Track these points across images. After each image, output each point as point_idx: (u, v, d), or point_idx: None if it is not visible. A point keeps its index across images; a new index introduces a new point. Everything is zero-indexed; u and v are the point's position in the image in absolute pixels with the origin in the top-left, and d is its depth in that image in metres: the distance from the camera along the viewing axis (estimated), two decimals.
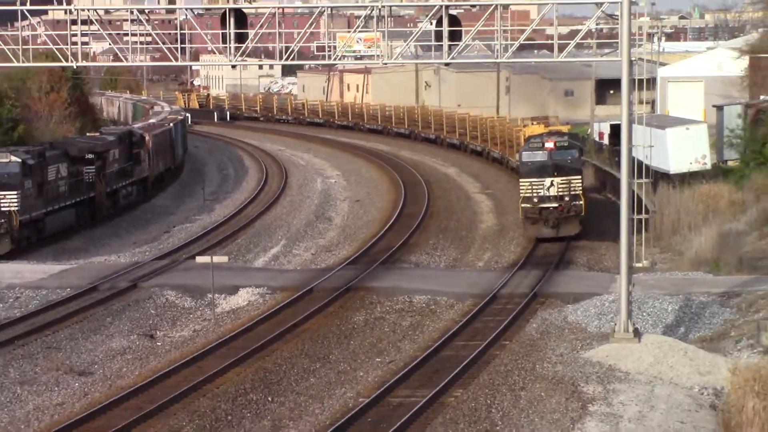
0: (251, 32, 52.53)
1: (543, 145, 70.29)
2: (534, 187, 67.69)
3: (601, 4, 52.66)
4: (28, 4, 52.53)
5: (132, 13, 52.99)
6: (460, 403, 44.38)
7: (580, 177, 68.75)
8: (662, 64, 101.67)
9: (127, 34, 54.13)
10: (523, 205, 68.01)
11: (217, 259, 64.84)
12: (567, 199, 66.48)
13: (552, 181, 66.95)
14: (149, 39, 53.94)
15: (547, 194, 66.70)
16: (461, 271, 69.59)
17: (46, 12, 52.38)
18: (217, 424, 42.71)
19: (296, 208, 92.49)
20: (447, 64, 58.68)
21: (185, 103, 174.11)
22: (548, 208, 66.79)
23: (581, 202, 67.40)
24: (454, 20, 50.95)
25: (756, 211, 72.52)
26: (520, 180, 70.55)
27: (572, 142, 72.88)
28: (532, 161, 70.04)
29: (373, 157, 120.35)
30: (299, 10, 48.78)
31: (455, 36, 51.25)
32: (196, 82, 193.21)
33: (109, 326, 56.80)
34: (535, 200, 67.15)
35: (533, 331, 54.10)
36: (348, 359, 50.90)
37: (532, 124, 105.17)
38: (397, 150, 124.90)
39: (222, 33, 52.23)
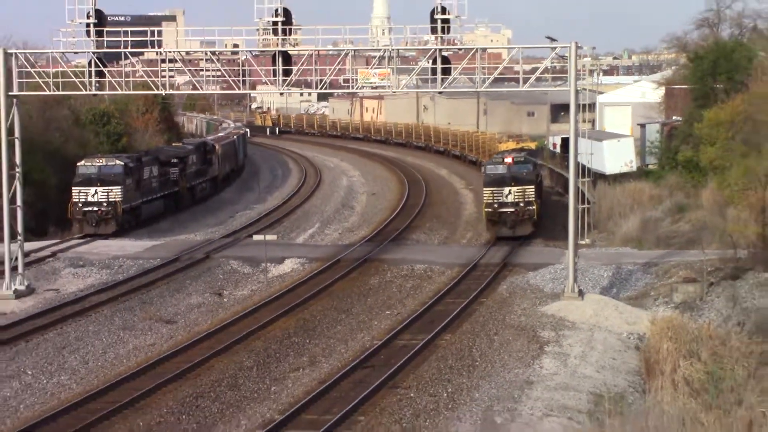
0: (294, 68, 52.53)
1: (503, 160, 67.83)
2: (495, 195, 65.32)
3: (555, 48, 52.69)
4: (129, 47, 52.53)
5: (206, 54, 53.03)
6: (449, 345, 44.71)
7: (533, 187, 65.98)
8: (600, 93, 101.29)
9: (202, 70, 54.18)
10: (486, 209, 66.28)
11: (268, 237, 64.97)
12: (522, 204, 64.42)
13: (510, 190, 64.74)
14: (218, 73, 53.99)
15: (506, 201, 64.66)
16: (450, 246, 69.71)
17: (142, 53, 52.26)
18: (269, 360, 43.13)
19: (327, 199, 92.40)
20: (440, 92, 58.69)
21: (262, 121, 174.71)
22: (506, 212, 64.82)
23: (534, 208, 65.30)
24: (445, 60, 50.97)
25: (669, 202, 72.53)
26: (484, 189, 67.70)
27: (528, 158, 70.54)
28: (494, 173, 66.90)
29: (384, 161, 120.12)
30: (330, 52, 48.66)
31: (446, 71, 51.27)
32: (253, 106, 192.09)
33: (188, 287, 57.03)
34: (496, 206, 65.08)
35: (504, 291, 54.42)
36: (365, 312, 51.17)
37: (508, 139, 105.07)
38: (402, 156, 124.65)
39: (273, 69, 52.31)
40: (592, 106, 73.31)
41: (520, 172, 66.08)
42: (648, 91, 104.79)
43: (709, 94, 76.62)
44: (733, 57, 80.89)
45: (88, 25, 51.30)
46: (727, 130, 59.82)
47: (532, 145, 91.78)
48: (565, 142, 76.81)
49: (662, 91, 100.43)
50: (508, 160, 67.22)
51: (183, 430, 34.86)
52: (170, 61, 54.80)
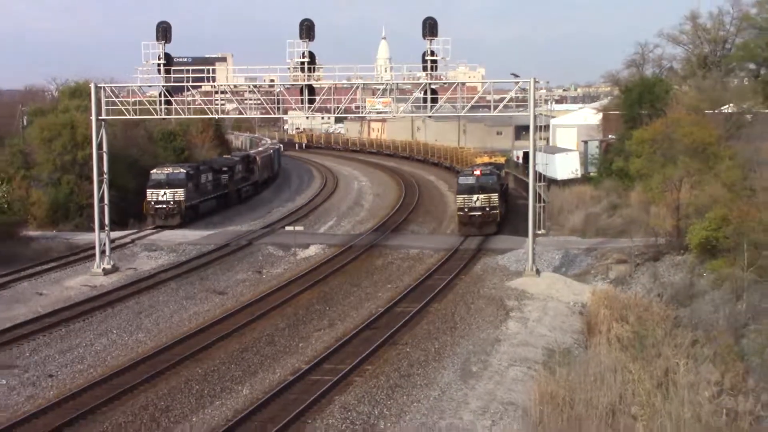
0: (317, 97, 52.57)
1: (473, 172, 66.16)
2: (465, 201, 63.24)
3: (518, 82, 52.71)
4: (190, 81, 52.60)
5: (249, 87, 53.06)
6: (436, 311, 44.72)
7: (497, 194, 63.79)
8: (552, 117, 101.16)
9: (246, 99, 54.20)
10: (458, 213, 64.51)
11: (297, 227, 65.17)
12: (487, 209, 62.57)
13: (478, 197, 62.74)
14: (258, 101, 53.97)
15: (474, 206, 62.76)
16: (437, 235, 69.49)
17: (200, 86, 52.41)
18: (297, 322, 43.22)
19: (342, 198, 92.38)
20: (429, 116, 58.94)
21: (299, 138, 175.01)
22: (475, 215, 62.90)
23: (497, 212, 63.35)
24: (433, 91, 50.96)
25: (606, 202, 72.50)
26: (457, 196, 65.50)
27: (493, 171, 67.72)
28: (465, 183, 64.72)
29: (386, 170, 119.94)
30: (344, 85, 48.74)
31: (434, 100, 51.22)
32: (286, 126, 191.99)
33: (235, 266, 57.06)
34: (466, 210, 63.17)
35: (478, 270, 54.41)
36: (372, 286, 51.15)
37: (483, 154, 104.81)
38: (400, 166, 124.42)
39: (300, 98, 52.37)
40: (546, 127, 73.36)
41: (487, 182, 63.87)
42: (589, 115, 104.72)
43: (636, 118, 76.61)
44: (654, 90, 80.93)
45: (159, 65, 51.43)
46: (650, 146, 59.76)
47: (501, 159, 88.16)
48: (526, 155, 76.57)
49: (600, 115, 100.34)
50: (477, 172, 65.56)
51: (231, 376, 35.01)
52: (221, 92, 54.96)
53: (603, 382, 30.54)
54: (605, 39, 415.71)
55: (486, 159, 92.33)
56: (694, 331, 38.50)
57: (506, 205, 72.28)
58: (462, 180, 65.68)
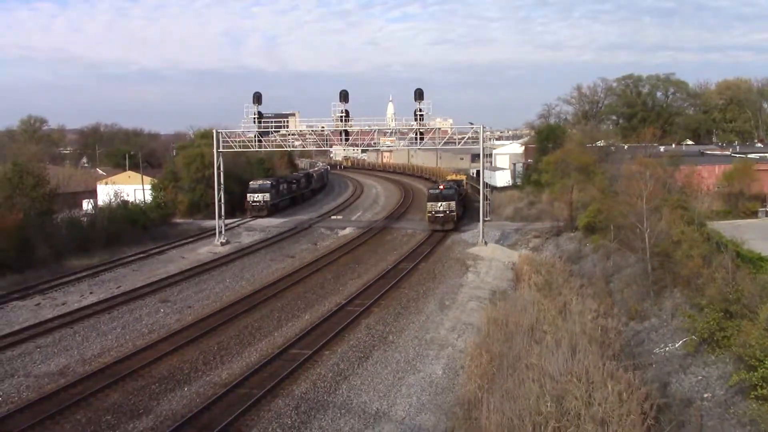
0: (351, 137, 52.38)
1: (439, 186, 61.20)
2: (432, 206, 58.32)
3: (473, 127, 52.40)
4: (272, 128, 52.49)
5: (309, 131, 52.86)
6: (423, 268, 44.41)
7: (455, 202, 58.54)
8: (494, 148, 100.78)
9: (307, 138, 53.93)
10: (428, 214, 58.78)
11: (338, 216, 64.91)
12: (447, 212, 57.64)
13: (441, 203, 57.82)
14: (315, 140, 53.72)
15: (438, 209, 57.77)
16: (423, 221, 69.12)
17: (279, 131, 52.16)
18: (338, 275, 43.02)
19: (366, 199, 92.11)
20: (418, 148, 58.74)
21: (345, 163, 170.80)
22: (439, 216, 57.68)
23: (455, 213, 58.15)
24: (421, 133, 50.74)
25: (527, 200, 72.03)
26: (427, 203, 60.12)
27: (452, 186, 62.24)
28: (433, 193, 59.58)
29: (392, 182, 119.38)
30: (367, 129, 48.71)
31: (421, 138, 51.02)
32: (332, 156, 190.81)
33: (301, 240, 56.85)
34: (433, 212, 58.10)
35: (449, 242, 53.96)
36: (384, 252, 50.82)
37: (452, 172, 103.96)
38: (401, 179, 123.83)
39: (340, 137, 52.16)
40: (490, 155, 72.97)
41: (447, 194, 58.84)
42: (517, 148, 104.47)
43: (545, 149, 76.06)
44: (555, 132, 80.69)
45: (254, 118, 51.28)
46: (554, 166, 59.49)
47: (463, 176, 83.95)
48: (478, 172, 76.18)
49: (523, 148, 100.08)
50: (441, 187, 60.79)
51: (298, 308, 34.87)
52: (292, 134, 54.63)
53: (526, 310, 30.37)
54: (526, 100, 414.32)
55: (452, 175, 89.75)
56: (582, 279, 38.35)
57: (464, 208, 68.78)
58: (431, 191, 61.12)
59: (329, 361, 26.37)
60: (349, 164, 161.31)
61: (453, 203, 58.38)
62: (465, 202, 71.88)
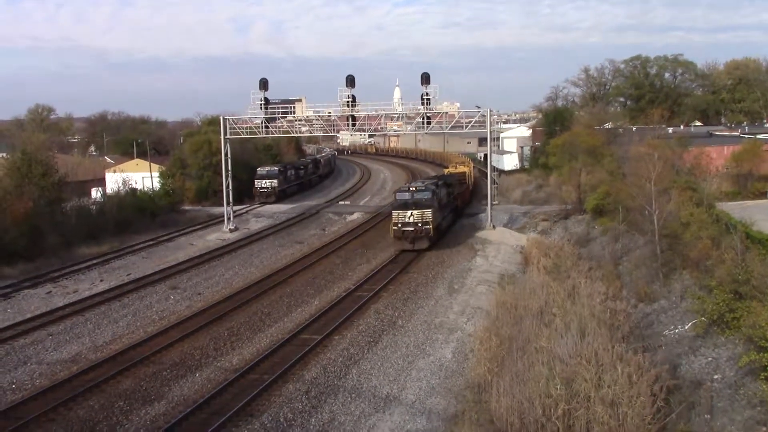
0: (357, 123, 52.25)
1: (409, 188, 45.86)
2: (399, 215, 43.60)
3: (480, 110, 52.22)
4: (279, 113, 52.41)
5: (316, 117, 52.78)
6: (431, 253, 44.28)
7: (430, 210, 43.52)
8: (501, 131, 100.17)
9: (313, 124, 53.85)
10: (393, 227, 43.90)
11: (346, 202, 64.93)
12: (420, 225, 43.04)
13: (410, 213, 43.28)
14: (322, 125, 53.65)
15: (407, 221, 43.36)
16: None
17: (286, 117, 52.00)
18: (347, 260, 43.12)
19: (373, 184, 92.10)
20: (425, 133, 58.58)
21: (370, 149, 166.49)
22: (407, 230, 43.31)
23: (430, 227, 43.29)
24: (428, 117, 50.53)
25: (534, 183, 72.07)
26: (392, 211, 44.85)
27: (432, 185, 46.54)
28: (401, 199, 44.74)
29: (400, 166, 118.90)
30: (374, 114, 48.23)
31: (428, 123, 50.85)
32: (340, 142, 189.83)
33: (309, 225, 56.91)
34: (399, 224, 43.48)
35: (457, 226, 53.88)
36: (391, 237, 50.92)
37: (460, 155, 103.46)
38: (408, 164, 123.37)
39: (347, 123, 52.05)
40: (497, 138, 72.61)
41: (421, 199, 44.25)
42: (524, 131, 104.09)
43: (552, 132, 75.85)
44: (563, 114, 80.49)
45: (260, 104, 51.19)
46: (561, 149, 59.29)
47: (464, 168, 68.58)
48: (485, 156, 75.90)
49: (531, 131, 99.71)
50: (412, 189, 45.71)
51: (307, 294, 34.95)
52: (299, 120, 54.56)
53: (534, 293, 30.36)
54: (533, 83, 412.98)
55: (459, 159, 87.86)
56: (590, 261, 38.30)
57: (455, 211, 55.44)
58: (399, 196, 45.64)
59: (339, 346, 26.46)
60: (374, 151, 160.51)
61: (428, 213, 43.59)
62: (464, 198, 61.83)
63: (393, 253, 43.71)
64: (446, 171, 68.53)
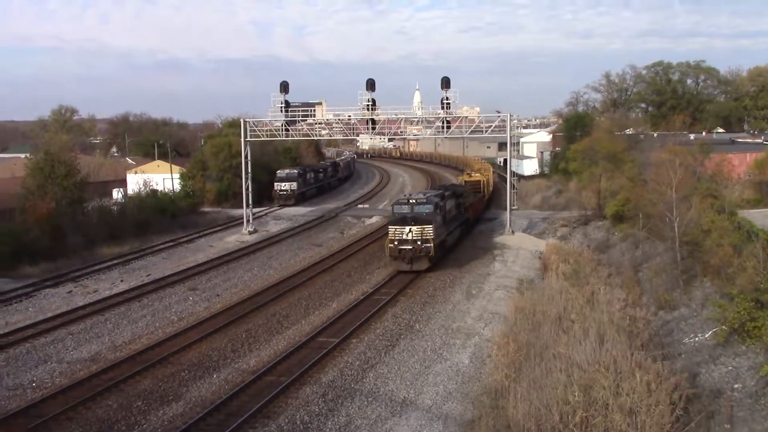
0: (377, 126, 52.26)
1: (408, 201, 40.52)
2: (396, 232, 38.60)
3: (500, 115, 52.06)
4: (299, 116, 52.55)
5: (336, 120, 52.86)
6: (449, 257, 44.06)
7: (431, 226, 38.47)
8: (521, 136, 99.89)
9: (333, 127, 53.93)
10: (388, 245, 38.82)
11: (365, 205, 64.90)
12: (419, 243, 38.11)
13: (408, 229, 38.30)
14: (341, 128, 53.72)
15: (404, 239, 38.38)
16: None
17: (306, 120, 52.14)
18: (365, 263, 43.01)
19: (393, 187, 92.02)
20: (445, 137, 58.38)
21: (395, 153, 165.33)
22: (405, 249, 38.36)
23: (431, 245, 38.19)
24: (447, 121, 50.38)
25: (554, 189, 71.78)
26: (389, 226, 39.80)
27: (431, 198, 40.78)
28: (399, 213, 39.71)
29: (419, 170, 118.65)
30: (393, 118, 48.32)
31: (448, 127, 50.72)
32: (360, 145, 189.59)
33: (328, 228, 56.97)
34: (395, 242, 38.48)
35: (475, 232, 53.75)
36: None
37: (479, 160, 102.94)
38: (427, 168, 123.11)
39: (367, 126, 52.08)
40: (517, 143, 72.32)
41: (421, 212, 39.30)
42: (544, 136, 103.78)
43: (572, 138, 75.56)
44: (584, 120, 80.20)
45: (281, 107, 51.31)
46: (581, 154, 59.10)
47: (481, 176, 63.64)
48: (505, 161, 75.63)
49: (551, 136, 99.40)
50: (412, 201, 40.35)
51: (325, 296, 34.98)
52: (319, 123, 54.68)
53: (553, 299, 30.19)
54: (554, 88, 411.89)
55: (478, 164, 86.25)
56: (610, 268, 38.06)
57: (466, 223, 50.57)
58: (397, 209, 40.45)
59: (356, 349, 26.45)
60: (398, 154, 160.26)
61: (429, 229, 38.64)
62: (477, 209, 57.06)
63: None
64: (459, 179, 64.66)
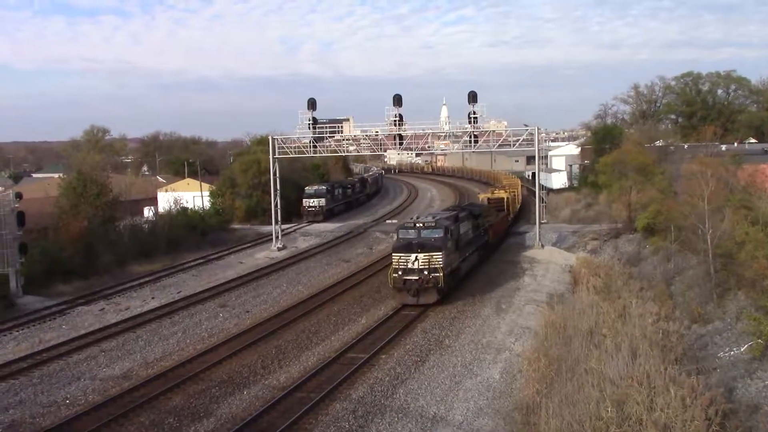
0: (405, 141, 52.33)
1: (414, 225, 35.44)
2: (400, 260, 34.02)
3: (527, 129, 51.86)
4: (327, 133, 52.79)
5: (363, 136, 53.06)
6: (478, 272, 43.83)
7: (441, 253, 33.66)
8: (549, 149, 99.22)
9: (361, 143, 54.13)
10: (392, 275, 34.28)
11: (393, 221, 64.80)
12: (427, 273, 33.39)
13: (414, 257, 33.59)
14: (369, 144, 53.89)
15: (409, 268, 33.64)
16: None
17: (333, 136, 52.45)
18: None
19: (421, 202, 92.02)
20: (472, 152, 58.18)
21: (428, 168, 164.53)
22: (410, 280, 33.63)
23: (440, 275, 33.41)
24: (475, 136, 50.35)
25: (583, 202, 71.30)
26: (392, 254, 34.90)
27: (441, 222, 35.57)
28: (404, 238, 34.95)
29: (447, 185, 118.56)
30: (421, 133, 48.34)
31: (475, 141, 50.67)
32: (387, 160, 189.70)
33: (356, 244, 57.05)
34: (399, 271, 33.84)
35: (504, 246, 53.42)
36: None
37: (507, 174, 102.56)
38: (455, 182, 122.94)
39: (394, 142, 52.20)
40: (545, 157, 71.94)
41: (429, 239, 34.38)
42: (572, 149, 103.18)
43: (601, 150, 74.92)
44: (612, 132, 79.64)
45: (309, 124, 51.58)
46: (611, 167, 58.59)
47: (504, 193, 60.19)
48: (533, 174, 75.20)
49: (579, 149, 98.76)
50: (419, 225, 35.37)
51: (354, 312, 34.94)
52: (346, 139, 54.94)
53: (584, 314, 29.91)
54: (582, 101, 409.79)
55: (505, 180, 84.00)
56: (641, 281, 37.65)
57: (484, 252, 45.99)
58: (402, 233, 35.68)
59: (386, 365, 26.37)
60: (430, 170, 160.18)
61: (439, 257, 33.89)
62: (499, 230, 52.62)
63: None
64: (480, 197, 61.30)
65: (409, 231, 35.33)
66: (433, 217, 36.66)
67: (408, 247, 34.32)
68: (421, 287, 33.87)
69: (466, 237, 39.85)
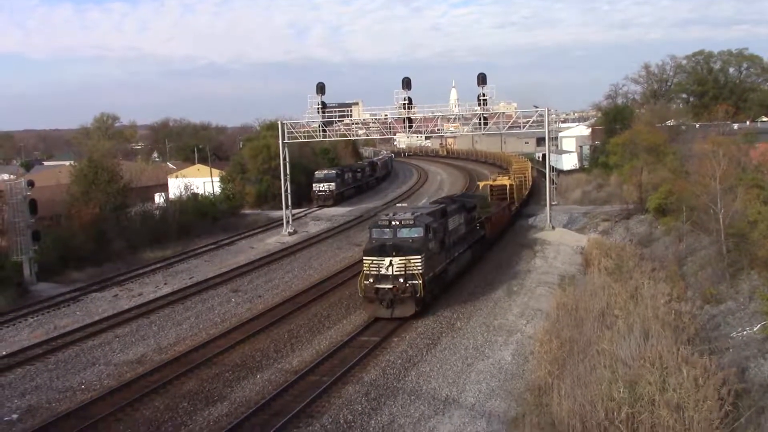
0: (414, 125, 52.20)
1: (390, 222, 29.70)
2: (372, 265, 28.65)
3: (537, 110, 51.62)
4: (336, 117, 52.73)
5: (372, 119, 52.97)
6: (489, 254, 43.93)
7: (420, 257, 28.44)
8: (560, 131, 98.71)
9: (370, 127, 54.07)
10: (363, 281, 29.03)
11: (403, 204, 64.55)
12: (401, 280, 28.14)
13: (388, 262, 28.23)
14: (378, 128, 53.81)
15: (382, 275, 28.40)
16: None
17: (343, 120, 52.41)
18: None
19: (431, 185, 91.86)
20: (482, 134, 57.99)
21: (442, 151, 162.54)
22: (382, 288, 28.39)
23: (418, 283, 28.21)
24: (484, 118, 50.22)
25: (594, 183, 70.99)
26: (364, 257, 29.53)
27: (421, 218, 30.05)
28: (377, 238, 29.56)
29: (457, 167, 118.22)
30: (430, 116, 48.28)
31: (485, 123, 50.54)
32: (397, 144, 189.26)
33: (367, 228, 57.02)
34: (371, 280, 28.55)
35: (516, 227, 53.36)
36: None
37: (517, 155, 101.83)
38: (465, 165, 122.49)
39: (403, 125, 52.08)
40: (556, 138, 71.55)
41: (406, 239, 29.05)
42: (583, 130, 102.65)
43: (612, 131, 74.47)
44: (623, 113, 79.11)
45: (318, 108, 51.52)
46: (622, 147, 58.32)
47: (507, 180, 55.79)
48: (543, 156, 74.78)
49: (590, 129, 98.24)
50: (395, 222, 29.61)
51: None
52: (356, 123, 54.86)
53: (596, 295, 29.87)
54: (592, 81, 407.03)
55: (516, 162, 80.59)
56: (653, 262, 37.51)
57: (479, 248, 40.68)
58: (376, 233, 30.06)
59: (398, 348, 26.45)
60: (445, 153, 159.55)
61: (417, 261, 28.69)
62: (500, 222, 48.28)
63: None
64: (481, 185, 57.18)
65: (384, 230, 29.86)
66: (413, 213, 31.05)
67: (381, 249, 28.97)
68: (396, 297, 28.59)
69: (456, 234, 35.16)
